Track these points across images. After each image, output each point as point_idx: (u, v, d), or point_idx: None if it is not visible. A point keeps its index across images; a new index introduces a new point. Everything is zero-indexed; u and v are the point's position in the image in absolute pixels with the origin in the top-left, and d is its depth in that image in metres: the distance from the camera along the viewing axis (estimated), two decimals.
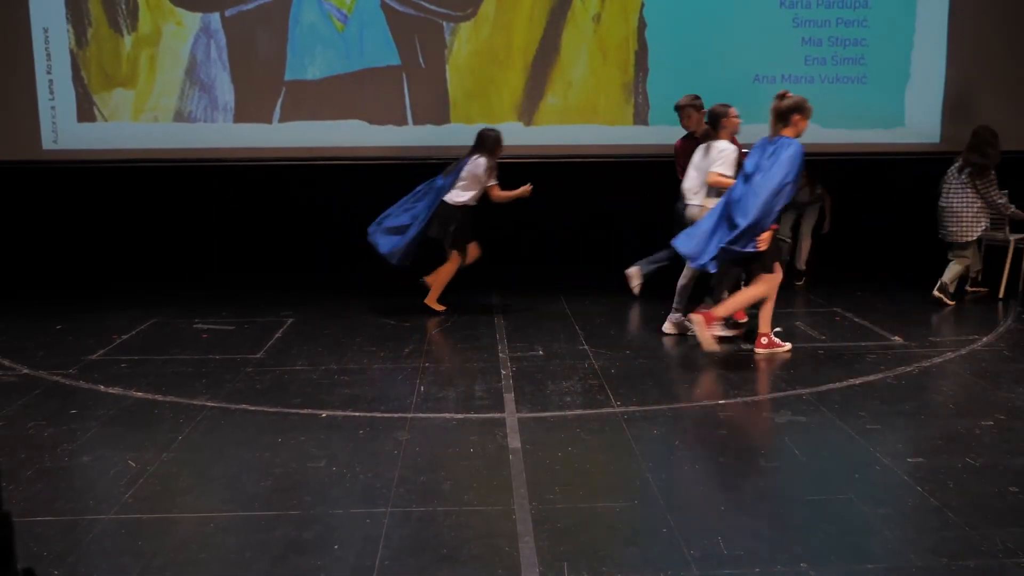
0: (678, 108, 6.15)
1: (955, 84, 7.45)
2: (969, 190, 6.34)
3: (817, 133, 6.77)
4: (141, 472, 3.52)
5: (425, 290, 6.37)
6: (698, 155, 5.66)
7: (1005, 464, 3.56)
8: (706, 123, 5.74)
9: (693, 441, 3.94)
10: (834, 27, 7.41)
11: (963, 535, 2.95)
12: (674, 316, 5.74)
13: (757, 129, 7.11)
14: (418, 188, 6.34)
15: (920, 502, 3.22)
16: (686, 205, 5.72)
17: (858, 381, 4.70)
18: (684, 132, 6.26)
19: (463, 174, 6.17)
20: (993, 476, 3.44)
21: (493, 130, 6.29)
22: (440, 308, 6.34)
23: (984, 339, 5.52)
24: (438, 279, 6.36)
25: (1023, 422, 4.05)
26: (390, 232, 6.22)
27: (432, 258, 6.36)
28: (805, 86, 7.29)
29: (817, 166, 7.23)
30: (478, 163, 6.15)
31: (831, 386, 4.60)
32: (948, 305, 6.38)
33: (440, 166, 7.48)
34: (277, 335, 5.75)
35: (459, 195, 6.18)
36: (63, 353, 5.31)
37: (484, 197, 6.32)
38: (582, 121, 7.41)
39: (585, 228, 8.00)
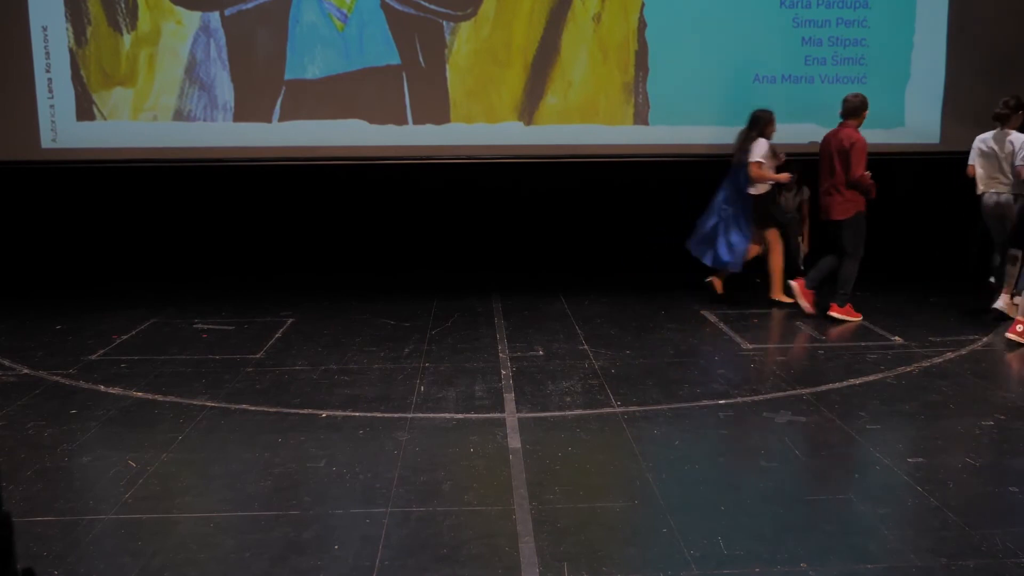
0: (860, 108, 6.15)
1: (955, 84, 7.44)
2: None
3: (816, 133, 6.76)
4: (141, 472, 3.52)
5: (713, 293, 6.56)
6: (992, 145, 5.96)
7: (1005, 464, 3.56)
8: (999, 110, 6.00)
9: (693, 441, 3.94)
10: (834, 27, 7.40)
11: (963, 535, 2.95)
12: (1005, 297, 5.98)
13: None
14: (720, 189, 6.57)
15: (920, 502, 3.22)
16: (998, 194, 6.01)
17: (858, 381, 4.70)
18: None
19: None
20: (993, 476, 3.44)
21: (765, 110, 6.47)
22: (788, 300, 6.42)
23: (984, 339, 5.53)
24: (774, 271, 6.55)
25: (1023, 422, 4.05)
26: (706, 240, 6.52)
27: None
28: (805, 86, 7.29)
29: (816, 166, 7.23)
30: (756, 146, 6.33)
31: (831, 386, 4.60)
32: None
33: (440, 166, 7.50)
34: (277, 335, 5.74)
35: (760, 186, 6.39)
36: (63, 353, 5.31)
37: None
38: (582, 121, 7.39)
39: (585, 228, 8.00)
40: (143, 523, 3.10)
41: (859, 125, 6.10)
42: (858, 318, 6.03)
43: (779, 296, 6.49)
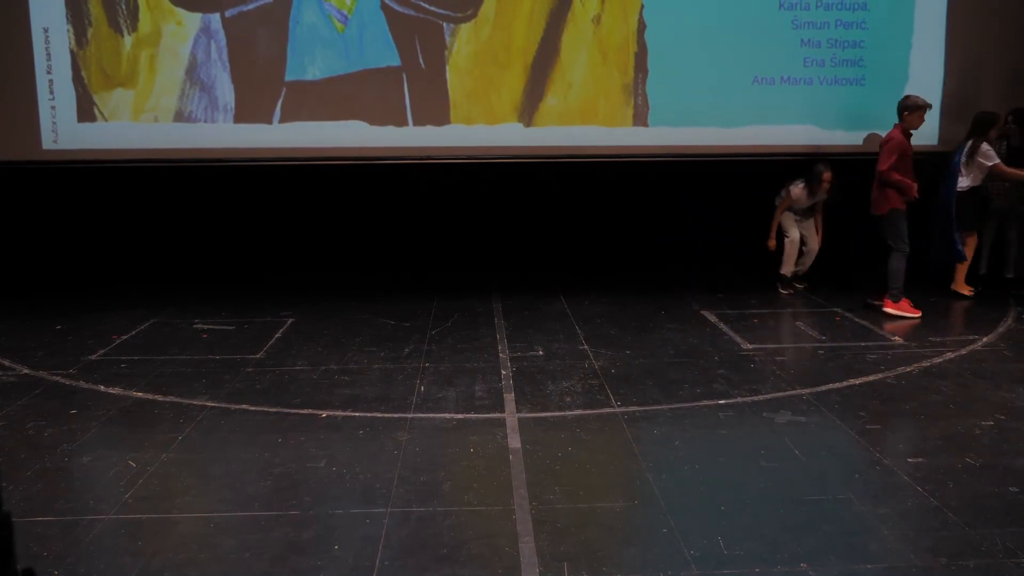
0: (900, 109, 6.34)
1: (953, 85, 7.44)
2: None
3: (816, 135, 6.77)
4: (141, 472, 3.52)
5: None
6: None
7: (1005, 464, 3.57)
8: None
9: (693, 441, 3.94)
10: (833, 29, 7.41)
11: (963, 535, 2.95)
12: None
13: (757, 130, 7.13)
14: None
15: (920, 502, 3.22)
16: None
17: (858, 381, 4.70)
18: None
19: (963, 159, 6.56)
20: (993, 476, 3.44)
21: (989, 112, 6.66)
22: (968, 291, 6.82)
23: (984, 339, 5.53)
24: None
25: (1023, 422, 4.05)
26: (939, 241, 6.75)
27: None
28: (804, 88, 7.30)
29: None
30: (976, 147, 6.48)
31: (831, 386, 4.61)
32: None
33: (440, 167, 7.51)
34: (277, 335, 5.75)
35: (963, 181, 6.57)
36: (63, 353, 5.31)
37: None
38: (582, 122, 7.40)
39: (585, 228, 8.01)
40: (143, 523, 3.11)
41: (907, 126, 6.26)
42: (917, 314, 6.14)
43: (961, 289, 6.84)
